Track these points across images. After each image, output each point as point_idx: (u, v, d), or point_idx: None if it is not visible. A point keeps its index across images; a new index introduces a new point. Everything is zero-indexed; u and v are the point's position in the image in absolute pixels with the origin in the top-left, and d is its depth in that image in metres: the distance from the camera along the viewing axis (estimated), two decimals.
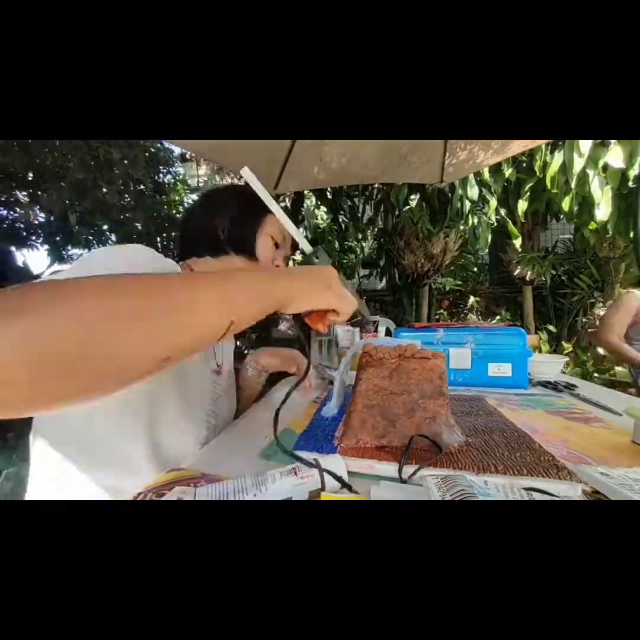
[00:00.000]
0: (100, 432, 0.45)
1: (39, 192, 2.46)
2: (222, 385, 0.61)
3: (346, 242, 3.20)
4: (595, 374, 2.65)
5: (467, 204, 2.64)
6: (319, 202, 2.94)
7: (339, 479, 0.33)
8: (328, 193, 3.03)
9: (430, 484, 0.29)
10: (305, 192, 2.81)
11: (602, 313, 2.88)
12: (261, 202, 0.50)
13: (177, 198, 3.63)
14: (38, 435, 0.46)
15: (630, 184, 2.11)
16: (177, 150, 3.55)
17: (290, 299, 0.34)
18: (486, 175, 2.64)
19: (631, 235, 2.22)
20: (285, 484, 0.31)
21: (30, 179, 2.45)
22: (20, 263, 2.38)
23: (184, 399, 0.51)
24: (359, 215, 3.42)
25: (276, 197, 2.95)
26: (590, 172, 2.18)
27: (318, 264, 0.45)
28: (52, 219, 2.61)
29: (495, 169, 2.60)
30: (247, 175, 0.46)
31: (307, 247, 0.46)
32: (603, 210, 2.23)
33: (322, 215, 2.91)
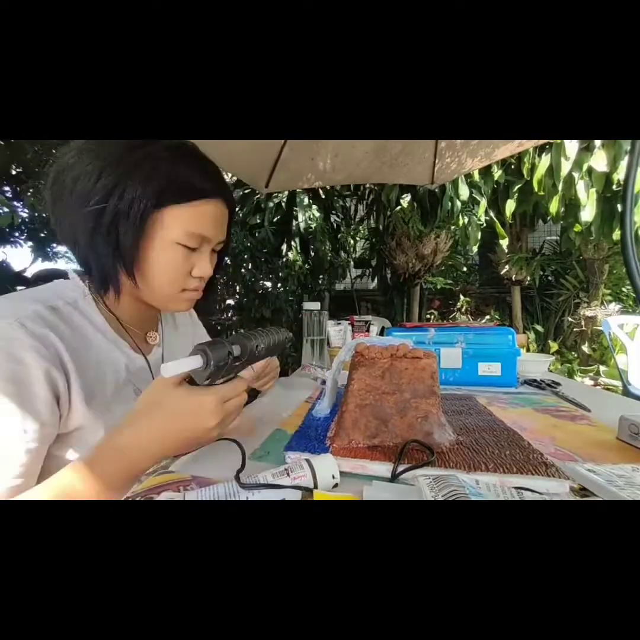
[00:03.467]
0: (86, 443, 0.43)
1: (20, 188, 2.39)
2: None
3: (338, 242, 3.21)
4: (580, 373, 2.72)
5: (458, 205, 2.67)
6: (311, 202, 2.93)
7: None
8: (320, 193, 3.03)
9: (422, 484, 0.29)
10: (297, 191, 2.80)
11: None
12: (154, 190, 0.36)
13: None
14: None
15: (614, 187, 2.17)
16: None
17: (146, 468, 0.34)
18: (476, 176, 2.68)
19: (617, 237, 2.29)
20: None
21: (13, 174, 2.38)
22: (1, 261, 2.31)
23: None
24: (351, 215, 3.43)
25: (267, 197, 2.94)
26: (576, 175, 2.24)
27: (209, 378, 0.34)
28: (36, 215, 2.54)
29: (485, 171, 2.64)
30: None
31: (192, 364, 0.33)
32: (588, 213, 2.29)
33: (313, 214, 2.91)
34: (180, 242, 0.40)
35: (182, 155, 0.41)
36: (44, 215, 2.39)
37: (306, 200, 2.85)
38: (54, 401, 0.36)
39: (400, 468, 0.36)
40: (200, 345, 0.33)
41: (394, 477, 0.35)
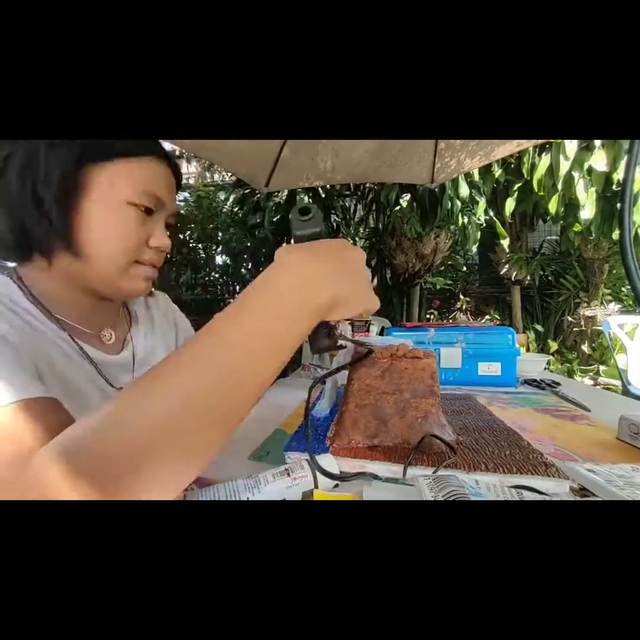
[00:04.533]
0: None
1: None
2: None
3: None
4: (580, 373, 2.72)
5: (457, 204, 2.67)
6: (311, 201, 2.94)
7: (332, 475, 0.33)
8: (320, 192, 3.03)
9: (422, 484, 0.29)
10: (297, 191, 2.80)
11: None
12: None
13: None
14: None
15: (614, 187, 2.17)
16: (167, 146, 3.48)
17: (328, 312, 0.26)
18: (476, 176, 2.68)
19: (617, 236, 2.29)
20: (278, 486, 0.31)
21: None
22: None
23: None
24: (351, 214, 3.43)
25: (267, 196, 2.93)
26: (576, 175, 2.24)
27: (311, 232, 0.29)
28: None
29: (485, 170, 2.64)
30: None
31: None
32: (587, 212, 2.29)
33: None
34: (132, 201, 0.35)
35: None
36: None
37: (306, 200, 2.85)
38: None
39: (396, 466, 0.36)
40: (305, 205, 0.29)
41: (403, 474, 0.35)
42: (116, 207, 0.35)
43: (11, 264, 0.39)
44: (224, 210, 3.55)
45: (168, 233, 0.41)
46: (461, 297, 3.77)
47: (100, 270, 0.37)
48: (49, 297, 0.37)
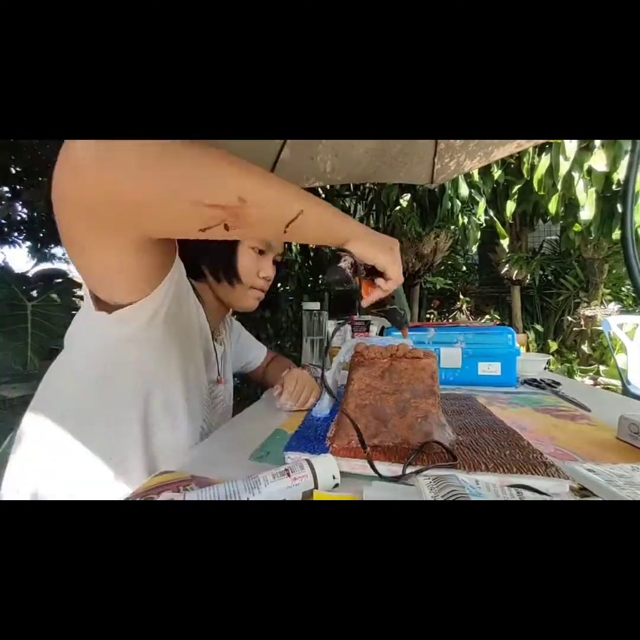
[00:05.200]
0: (93, 433, 0.44)
1: (20, 188, 2.38)
2: (219, 395, 0.61)
3: None
4: (579, 373, 2.72)
5: (457, 204, 2.67)
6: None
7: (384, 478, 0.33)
8: (320, 192, 3.03)
9: (422, 484, 0.29)
10: None
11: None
12: None
13: None
14: (27, 428, 0.45)
15: (614, 187, 2.17)
16: None
17: (353, 238, 0.39)
18: (476, 176, 2.68)
19: (617, 236, 2.29)
20: (278, 486, 0.31)
21: (13, 173, 2.38)
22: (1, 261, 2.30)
23: (184, 403, 0.51)
24: (351, 215, 3.43)
25: None
26: (576, 175, 2.24)
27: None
28: (35, 215, 2.54)
29: (485, 171, 2.64)
30: None
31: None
32: (587, 212, 2.29)
33: None
34: (253, 246, 0.54)
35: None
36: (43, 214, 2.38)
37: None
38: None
39: (396, 466, 0.36)
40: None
41: (402, 477, 0.35)
42: (246, 251, 0.55)
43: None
44: None
45: (274, 266, 0.59)
46: (461, 297, 3.77)
47: (233, 291, 0.57)
48: (203, 300, 0.57)
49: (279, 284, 2.99)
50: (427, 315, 3.63)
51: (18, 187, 2.34)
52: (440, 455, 0.38)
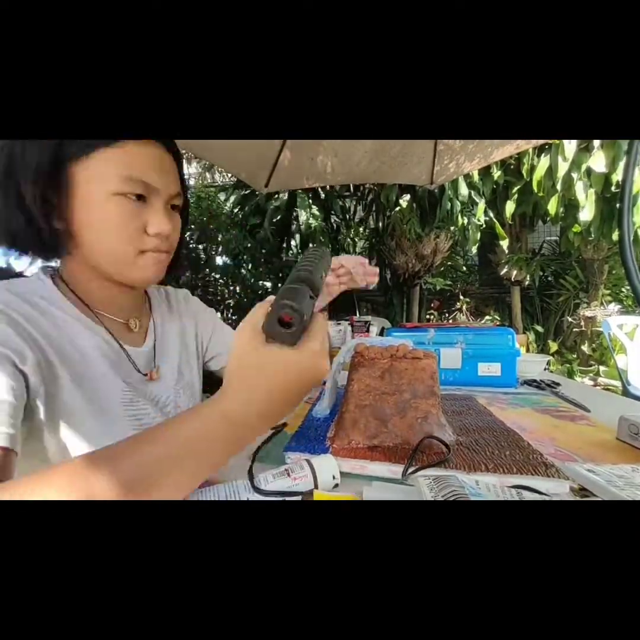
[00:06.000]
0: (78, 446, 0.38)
1: None
2: (156, 395, 0.47)
3: (338, 242, 3.21)
4: (579, 373, 2.72)
5: (457, 205, 2.67)
6: (311, 202, 2.94)
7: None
8: (320, 193, 3.03)
9: (422, 485, 0.29)
10: (297, 191, 2.81)
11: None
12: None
13: None
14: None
15: (613, 188, 2.18)
16: None
17: (250, 440, 0.30)
18: (476, 177, 2.68)
19: (616, 237, 2.29)
20: (278, 486, 0.31)
21: None
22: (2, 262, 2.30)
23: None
24: (351, 215, 3.43)
25: (267, 197, 2.93)
26: (575, 176, 2.24)
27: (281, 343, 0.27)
28: None
29: (484, 172, 2.64)
30: None
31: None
32: (587, 213, 2.30)
33: (313, 214, 2.91)
34: (118, 191, 0.35)
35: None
36: None
37: (306, 201, 2.86)
38: (18, 377, 0.32)
39: (396, 467, 0.36)
40: (285, 302, 0.26)
41: (404, 475, 0.35)
42: (104, 200, 0.35)
43: (55, 264, 0.42)
44: (224, 211, 3.56)
45: (173, 216, 0.40)
46: (461, 297, 3.77)
47: (109, 263, 0.38)
48: (80, 288, 0.41)
49: (279, 285, 2.98)
50: (427, 316, 3.63)
51: None
52: (441, 455, 0.38)
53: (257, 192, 2.56)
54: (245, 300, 3.03)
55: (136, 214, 0.37)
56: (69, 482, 0.23)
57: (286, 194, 2.88)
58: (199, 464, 0.27)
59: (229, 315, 3.35)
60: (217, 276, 3.54)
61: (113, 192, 0.35)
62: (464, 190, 2.63)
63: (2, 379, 0.30)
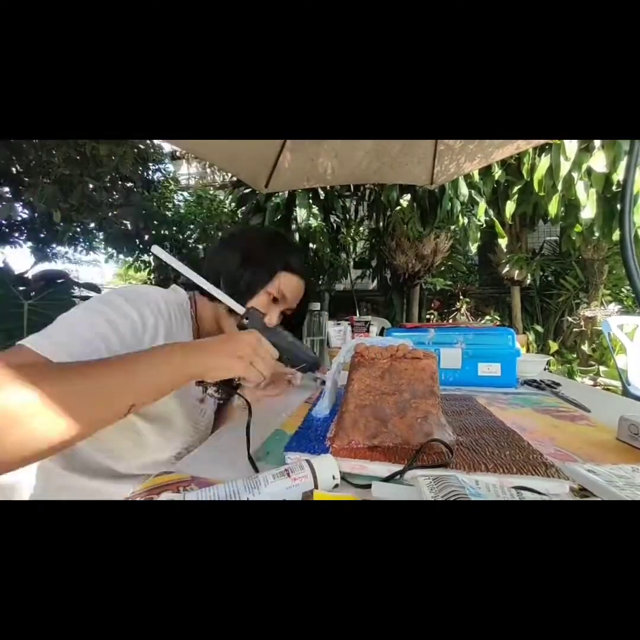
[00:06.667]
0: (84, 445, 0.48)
1: (22, 188, 2.39)
2: (205, 410, 0.63)
3: (338, 242, 3.21)
4: (579, 373, 2.72)
5: (457, 205, 2.67)
6: (311, 202, 2.93)
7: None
8: (320, 192, 3.03)
9: (422, 484, 0.29)
10: (297, 191, 2.81)
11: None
12: (275, 258, 0.58)
13: (167, 195, 3.57)
14: None
15: (614, 188, 2.17)
16: (167, 147, 3.50)
17: (203, 372, 0.40)
18: (476, 177, 2.68)
19: (617, 237, 2.29)
20: (278, 487, 0.31)
21: (13, 173, 2.38)
22: (1, 262, 2.30)
23: (174, 419, 0.55)
24: (351, 215, 3.43)
25: (267, 197, 2.93)
26: (575, 176, 2.24)
27: (248, 325, 0.52)
28: (36, 215, 2.54)
29: (485, 171, 2.64)
30: (158, 252, 0.49)
31: (238, 309, 0.53)
32: (588, 213, 2.29)
33: (313, 214, 2.91)
34: (270, 291, 0.57)
35: (289, 243, 0.67)
36: (49, 212, 2.38)
37: (306, 201, 2.85)
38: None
39: (396, 467, 0.36)
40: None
41: (402, 473, 0.35)
42: (263, 293, 0.57)
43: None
44: (224, 210, 3.55)
45: (279, 317, 0.61)
46: (461, 297, 3.77)
47: (233, 324, 0.56)
48: (201, 318, 0.60)
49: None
50: (427, 316, 3.63)
51: (21, 187, 2.35)
52: (442, 456, 0.38)
53: (257, 192, 2.56)
54: None
55: (267, 306, 0.58)
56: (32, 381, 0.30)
57: (286, 193, 2.87)
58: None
59: None
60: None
61: (267, 291, 0.57)
62: (464, 190, 2.63)
63: (114, 339, 0.42)
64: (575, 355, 3.01)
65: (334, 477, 0.33)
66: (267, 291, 0.57)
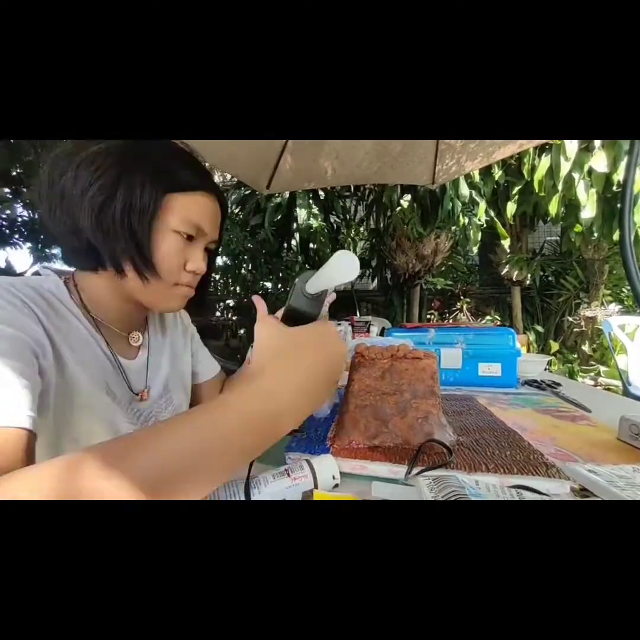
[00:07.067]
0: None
1: (23, 188, 2.39)
2: (144, 413, 0.47)
3: (338, 242, 3.22)
4: (580, 373, 2.72)
5: (458, 205, 2.67)
6: (311, 202, 2.94)
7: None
8: (320, 193, 3.03)
9: (422, 485, 0.29)
10: (298, 192, 2.81)
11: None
12: (154, 172, 0.38)
13: None
14: None
15: (614, 188, 2.17)
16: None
17: (294, 424, 0.27)
18: (476, 177, 2.68)
19: (617, 237, 2.29)
20: (278, 486, 0.31)
21: (13, 174, 2.38)
22: (2, 262, 2.31)
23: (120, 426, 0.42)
24: (351, 215, 3.43)
25: (267, 198, 2.93)
26: (576, 176, 2.24)
27: (310, 313, 0.31)
28: (35, 216, 2.54)
29: (485, 172, 2.64)
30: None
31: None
32: (588, 213, 2.29)
33: (313, 214, 2.91)
34: (177, 229, 0.40)
35: (177, 152, 0.43)
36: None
37: (306, 201, 2.86)
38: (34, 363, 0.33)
39: (397, 467, 0.36)
40: (305, 276, 0.29)
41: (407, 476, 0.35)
42: (167, 233, 0.40)
43: (69, 269, 0.45)
44: None
45: (206, 256, 0.45)
46: (461, 297, 3.77)
47: (150, 288, 0.41)
48: (96, 301, 0.43)
49: (279, 285, 2.98)
50: (428, 316, 3.63)
51: (22, 187, 2.35)
52: (442, 456, 0.38)
53: (257, 193, 2.56)
54: (245, 300, 3.03)
55: (182, 250, 0.41)
56: (75, 478, 0.21)
57: (286, 194, 2.88)
58: (228, 456, 0.24)
59: (229, 316, 3.35)
60: (217, 276, 3.55)
61: (173, 228, 0.40)
62: (464, 190, 2.63)
63: (26, 365, 0.31)
64: (575, 356, 3.01)
65: (334, 477, 0.33)
66: (169, 230, 0.39)
